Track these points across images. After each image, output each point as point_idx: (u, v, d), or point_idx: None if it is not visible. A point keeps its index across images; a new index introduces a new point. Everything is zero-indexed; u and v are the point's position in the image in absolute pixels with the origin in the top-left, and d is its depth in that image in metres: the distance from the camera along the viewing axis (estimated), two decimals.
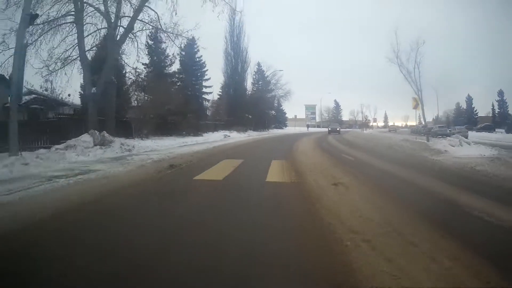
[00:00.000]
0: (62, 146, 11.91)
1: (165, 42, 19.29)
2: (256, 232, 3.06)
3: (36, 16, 8.90)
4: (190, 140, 18.87)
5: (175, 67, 28.88)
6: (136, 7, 14.50)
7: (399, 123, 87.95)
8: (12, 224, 3.34)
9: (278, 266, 2.27)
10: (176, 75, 28.73)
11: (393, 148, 13.15)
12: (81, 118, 15.39)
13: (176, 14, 15.05)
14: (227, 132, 27.97)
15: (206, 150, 13.10)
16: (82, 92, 21.82)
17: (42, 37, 13.91)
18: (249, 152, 12.51)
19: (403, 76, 29.01)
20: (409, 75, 28.83)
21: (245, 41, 39.34)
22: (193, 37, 22.78)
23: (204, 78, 33.70)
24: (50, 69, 14.83)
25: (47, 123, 14.60)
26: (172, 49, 30.30)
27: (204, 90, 34.22)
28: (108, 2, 15.01)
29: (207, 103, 36.77)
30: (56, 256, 2.48)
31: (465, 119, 62.05)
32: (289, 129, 54.97)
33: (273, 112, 52.05)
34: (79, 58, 14.72)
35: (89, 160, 9.61)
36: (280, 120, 57.70)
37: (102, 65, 14.62)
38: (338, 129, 39.97)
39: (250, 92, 42.90)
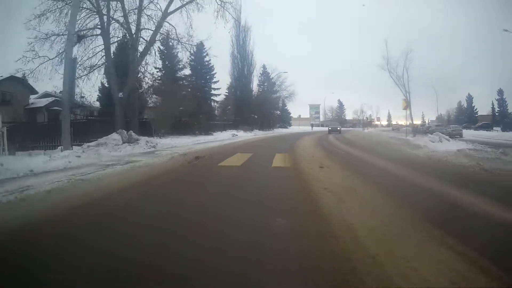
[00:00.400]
0: (94, 144, 13.86)
1: (176, 48, 21.45)
2: (267, 189, 5.01)
3: (83, 36, 10.92)
4: (202, 138, 20.88)
5: (186, 70, 31.01)
6: (157, 23, 16.54)
7: (402, 121, 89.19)
8: (109, 190, 5.32)
9: (280, 200, 4.22)
10: (188, 78, 30.78)
11: (381, 144, 15.02)
12: (106, 119, 17.46)
13: (192, 28, 17.08)
14: (234, 132, 29.95)
15: (219, 146, 15.08)
16: (100, 95, 24.08)
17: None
18: (256, 148, 14.44)
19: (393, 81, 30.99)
20: (399, 79, 30.71)
21: (251, 45, 41.34)
22: (201, 42, 24.93)
23: (213, 80, 35.80)
24: (76, 75, 16.97)
25: (76, 124, 16.73)
26: (184, 54, 32.47)
27: (213, 92, 36.31)
28: (130, 18, 17.08)
29: (215, 104, 38.90)
30: (140, 208, 4.45)
31: (466, 118, 63.52)
32: (294, 128, 56.82)
33: (278, 112, 53.99)
34: (104, 66, 16.84)
35: (124, 155, 11.55)
36: (284, 119, 59.57)
37: (125, 71, 16.66)
38: (338, 128, 37.38)
39: (256, 93, 44.90)
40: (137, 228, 3.27)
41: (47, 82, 20.85)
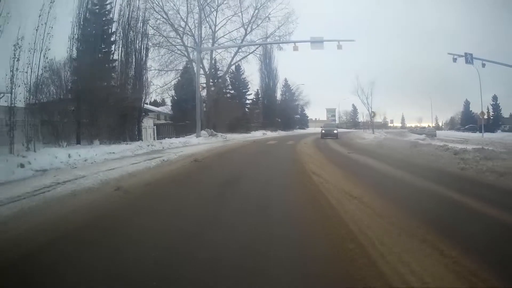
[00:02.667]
0: (192, 135, 26.38)
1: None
2: (287, 148, 17.06)
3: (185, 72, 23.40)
4: (246, 135, 33.03)
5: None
6: (225, 70, 29.01)
7: (413, 123, 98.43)
8: (234, 147, 17.52)
9: (289, 152, 16.22)
10: (232, 92, 43.30)
11: (351, 138, 26.48)
12: (188, 123, 29.89)
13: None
14: (264, 131, 41.90)
15: (260, 138, 27.19)
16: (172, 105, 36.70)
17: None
18: (280, 140, 26.35)
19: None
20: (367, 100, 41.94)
21: (275, 63, 53.07)
22: (239, 65, 37.42)
23: (248, 93, 48.17)
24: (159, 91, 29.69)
25: (177, 125, 29.31)
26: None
27: (247, 102, 48.59)
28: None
29: (248, 110, 51.16)
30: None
31: (464, 121, 72.93)
32: (310, 130, 68.31)
33: (298, 116, 65.69)
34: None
35: (215, 141, 23.81)
36: (303, 122, 71.20)
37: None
38: (335, 131, 29.04)
39: (279, 101, 56.72)
40: (245, 155, 15.28)
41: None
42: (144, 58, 17.39)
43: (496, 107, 74.01)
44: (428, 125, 69.35)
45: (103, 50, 17.18)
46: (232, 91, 44.78)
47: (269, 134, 40.39)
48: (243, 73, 45.46)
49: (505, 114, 72.62)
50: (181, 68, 30.74)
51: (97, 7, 16.62)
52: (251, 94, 48.64)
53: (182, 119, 30.35)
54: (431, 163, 9.19)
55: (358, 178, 7.12)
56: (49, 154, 8.88)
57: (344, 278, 2.36)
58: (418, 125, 71.05)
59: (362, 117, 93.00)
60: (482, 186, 5.88)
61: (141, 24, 17.49)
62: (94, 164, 8.75)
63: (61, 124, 12.03)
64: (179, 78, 31.55)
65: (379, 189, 5.73)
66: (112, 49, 16.98)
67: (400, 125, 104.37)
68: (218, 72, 35.01)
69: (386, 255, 2.67)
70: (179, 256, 2.82)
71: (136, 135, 16.56)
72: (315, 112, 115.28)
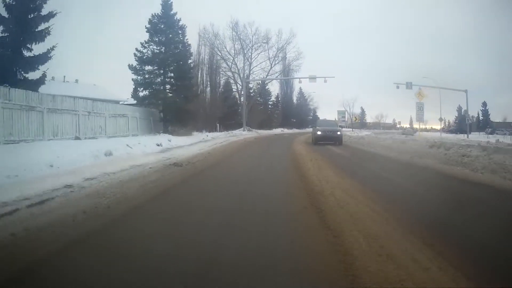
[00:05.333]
0: (238, 130, 40.65)
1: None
2: (297, 137, 31.04)
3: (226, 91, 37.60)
4: (269, 131, 47.06)
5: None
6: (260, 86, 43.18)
7: (416, 125, 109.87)
8: (264, 135, 31.62)
9: (295, 139, 30.19)
10: (259, 99, 57.48)
11: None
12: (233, 123, 43.97)
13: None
14: (282, 129, 55.77)
15: (281, 133, 41.18)
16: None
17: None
18: (294, 135, 40.11)
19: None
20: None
21: (293, 68, 66.77)
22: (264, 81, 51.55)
23: (271, 100, 62.17)
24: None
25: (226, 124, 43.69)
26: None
27: (269, 106, 62.54)
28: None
29: (269, 111, 65.05)
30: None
31: (459, 125, 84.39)
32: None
33: (310, 117, 79.18)
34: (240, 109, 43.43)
35: (253, 134, 37.94)
36: (315, 122, 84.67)
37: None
38: (338, 133, 20.27)
39: (295, 105, 70.32)
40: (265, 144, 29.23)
41: None
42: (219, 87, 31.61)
43: (485, 112, 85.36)
44: (408, 127, 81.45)
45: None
46: (259, 99, 58.90)
47: (286, 131, 54.34)
48: (267, 85, 59.55)
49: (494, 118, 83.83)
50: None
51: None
52: (272, 97, 62.97)
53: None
54: (370, 148, 22.64)
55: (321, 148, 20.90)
56: (194, 135, 23.12)
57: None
58: (408, 126, 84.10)
59: (370, 118, 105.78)
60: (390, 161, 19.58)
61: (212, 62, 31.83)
62: (214, 139, 22.78)
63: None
64: (222, 90, 45.92)
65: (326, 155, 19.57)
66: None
67: (408, 126, 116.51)
68: (251, 91, 49.47)
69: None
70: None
71: (217, 128, 30.89)
72: (328, 114, 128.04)
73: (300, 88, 74.17)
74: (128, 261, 2.65)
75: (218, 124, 36.63)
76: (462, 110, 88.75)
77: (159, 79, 20.98)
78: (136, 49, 20.50)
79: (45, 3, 13.22)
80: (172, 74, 21.47)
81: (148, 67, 20.76)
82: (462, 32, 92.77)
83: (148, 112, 20.37)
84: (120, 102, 25.23)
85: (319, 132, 19.24)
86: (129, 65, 20.24)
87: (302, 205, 4.34)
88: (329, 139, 19.11)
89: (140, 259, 2.67)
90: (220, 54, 41.57)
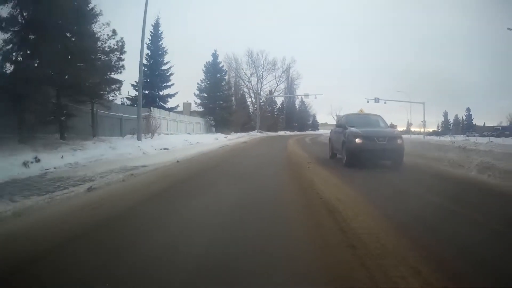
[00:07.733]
0: (253, 132, 54.52)
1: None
2: (300, 138, 44.81)
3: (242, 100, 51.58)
4: (275, 133, 60.77)
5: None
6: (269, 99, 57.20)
7: (415, 128, 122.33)
8: (272, 136, 45.43)
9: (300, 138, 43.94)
10: (268, 108, 71.40)
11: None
12: (248, 126, 57.67)
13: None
14: (285, 131, 69.35)
15: (285, 134, 54.92)
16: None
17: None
18: (295, 136, 53.64)
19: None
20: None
21: (295, 86, 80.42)
22: (271, 91, 65.63)
23: (277, 107, 76.10)
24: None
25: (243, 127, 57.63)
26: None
27: (275, 112, 76.39)
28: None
29: (276, 116, 78.85)
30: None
31: (445, 128, 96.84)
32: (319, 131, 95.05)
33: (310, 121, 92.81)
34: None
35: (263, 135, 51.70)
36: (314, 125, 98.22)
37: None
38: (399, 142, 9.38)
39: (297, 111, 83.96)
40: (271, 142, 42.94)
41: None
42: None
43: (468, 117, 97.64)
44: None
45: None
46: (268, 107, 72.69)
47: (289, 133, 68.10)
48: (274, 97, 73.50)
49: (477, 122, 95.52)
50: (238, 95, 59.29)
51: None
52: (277, 105, 77.05)
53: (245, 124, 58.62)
54: None
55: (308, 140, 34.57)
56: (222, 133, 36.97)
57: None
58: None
59: None
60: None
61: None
62: (243, 136, 36.48)
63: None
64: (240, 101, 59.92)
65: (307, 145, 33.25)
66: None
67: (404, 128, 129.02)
68: (261, 102, 63.51)
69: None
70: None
71: (240, 129, 44.96)
72: (327, 117, 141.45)
73: (302, 98, 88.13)
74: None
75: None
76: (448, 115, 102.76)
77: (211, 105, 35.31)
78: (197, 83, 34.95)
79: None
80: (220, 101, 35.80)
81: (203, 94, 35.01)
82: (450, 40, 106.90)
83: (206, 120, 34.56)
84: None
85: (358, 140, 9.26)
86: (194, 93, 34.74)
87: (284, 156, 18.13)
88: (380, 154, 9.17)
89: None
90: (239, 75, 55.90)
